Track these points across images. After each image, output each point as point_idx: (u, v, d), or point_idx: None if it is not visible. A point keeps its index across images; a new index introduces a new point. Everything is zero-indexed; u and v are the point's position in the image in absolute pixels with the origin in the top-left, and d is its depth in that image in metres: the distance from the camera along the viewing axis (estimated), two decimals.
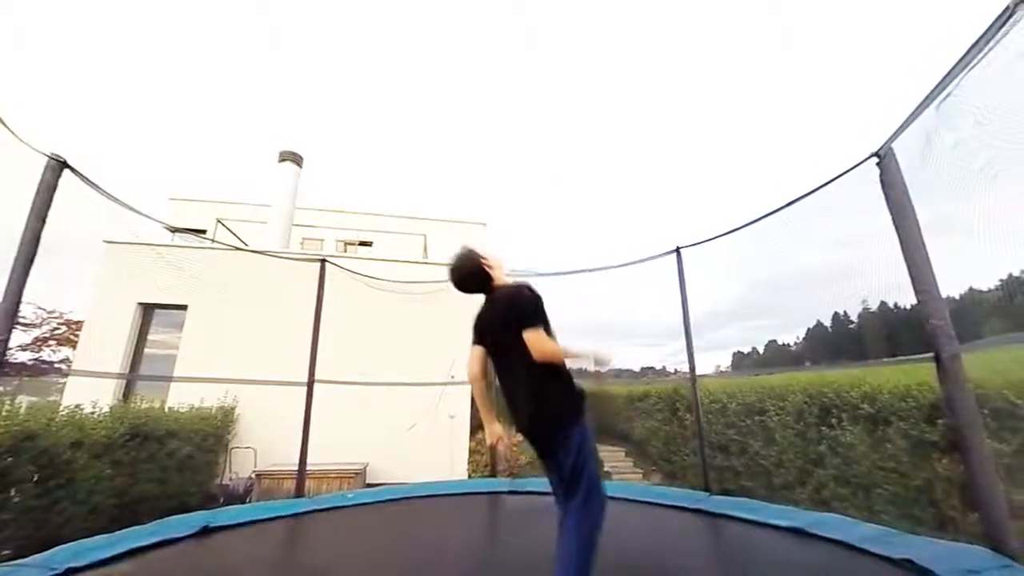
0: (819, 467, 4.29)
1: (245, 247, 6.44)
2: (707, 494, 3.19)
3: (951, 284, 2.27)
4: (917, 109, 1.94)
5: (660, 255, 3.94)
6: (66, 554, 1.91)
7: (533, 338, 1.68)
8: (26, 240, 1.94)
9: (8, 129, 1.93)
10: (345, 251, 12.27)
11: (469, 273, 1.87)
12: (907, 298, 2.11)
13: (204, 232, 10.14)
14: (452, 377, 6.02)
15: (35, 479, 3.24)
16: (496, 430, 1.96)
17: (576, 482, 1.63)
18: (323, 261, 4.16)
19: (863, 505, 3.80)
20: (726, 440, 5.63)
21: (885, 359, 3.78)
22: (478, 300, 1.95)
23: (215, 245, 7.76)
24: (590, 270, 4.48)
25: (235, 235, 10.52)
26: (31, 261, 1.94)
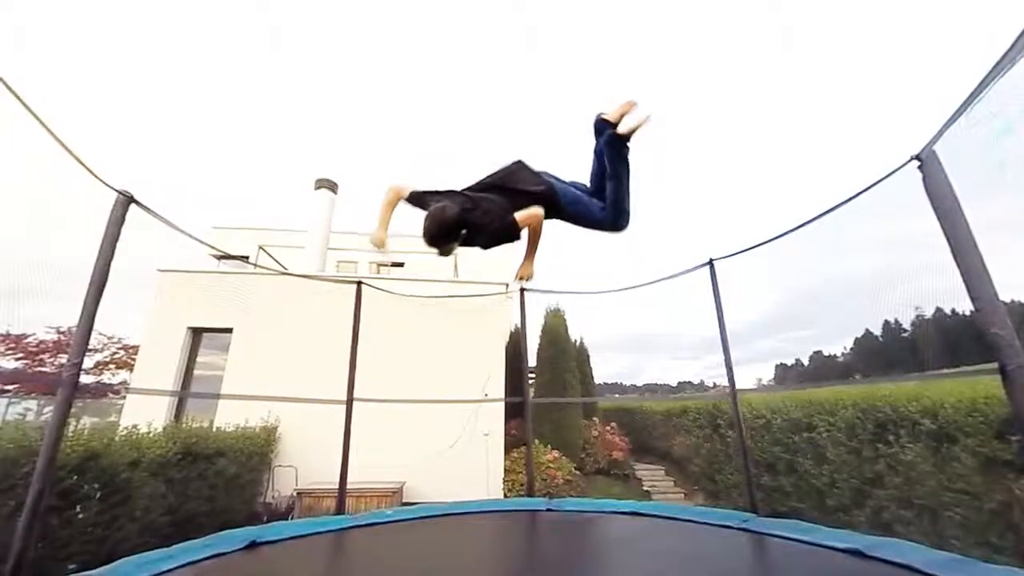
0: (877, 487, 4.02)
1: (286, 271, 6.74)
2: (754, 515, 3.04)
3: (1014, 287, 2.12)
4: (961, 107, 1.85)
5: (693, 268, 3.86)
6: (128, 566, 2.01)
7: None
8: (97, 271, 2.12)
9: (86, 168, 2.11)
10: (378, 272, 12.61)
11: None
12: (965, 303, 1.98)
13: (247, 258, 10.66)
14: (485, 395, 6.03)
15: (98, 496, 3.44)
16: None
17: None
18: (359, 283, 4.30)
19: (930, 530, 3.52)
20: (772, 458, 5.36)
21: (945, 370, 3.54)
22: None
23: (259, 270, 8.15)
24: (621, 289, 4.44)
25: (276, 260, 11.02)
26: (102, 290, 2.11)
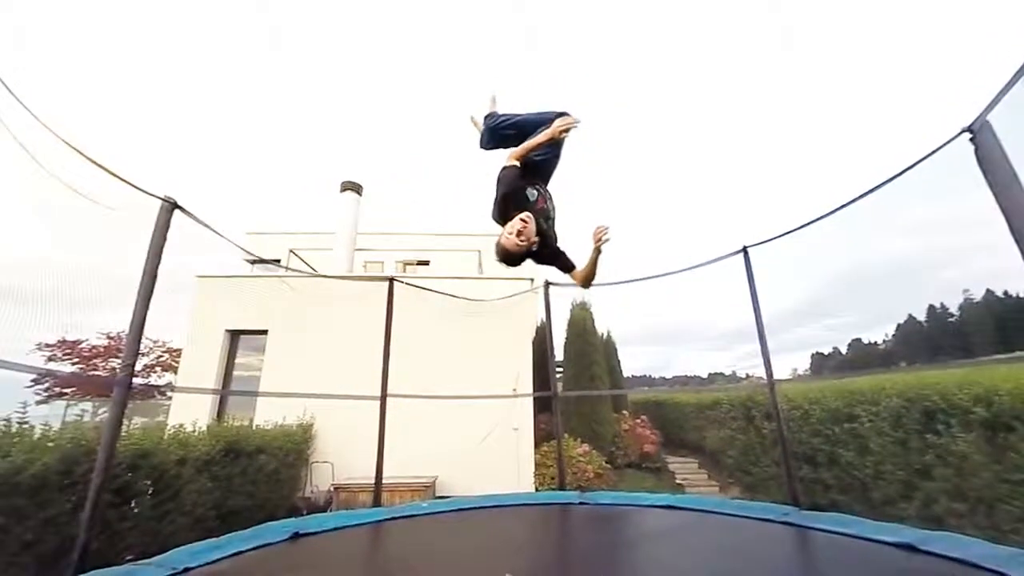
0: (927, 479, 3.85)
1: (317, 273, 6.91)
2: (795, 508, 2.95)
3: None
4: (1018, 73, 1.74)
5: (725, 256, 3.76)
6: (182, 555, 2.13)
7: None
8: (146, 275, 2.22)
9: (129, 183, 2.21)
10: (404, 271, 12.77)
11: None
12: (1021, 284, 1.86)
13: (279, 262, 10.96)
14: (514, 390, 6.05)
15: (150, 492, 3.62)
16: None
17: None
18: (391, 280, 4.36)
19: (985, 524, 3.35)
20: (811, 450, 5.20)
21: (998, 356, 3.35)
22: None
23: (293, 273, 8.39)
24: (651, 277, 4.36)
25: (306, 263, 11.30)
26: (150, 294, 2.21)
